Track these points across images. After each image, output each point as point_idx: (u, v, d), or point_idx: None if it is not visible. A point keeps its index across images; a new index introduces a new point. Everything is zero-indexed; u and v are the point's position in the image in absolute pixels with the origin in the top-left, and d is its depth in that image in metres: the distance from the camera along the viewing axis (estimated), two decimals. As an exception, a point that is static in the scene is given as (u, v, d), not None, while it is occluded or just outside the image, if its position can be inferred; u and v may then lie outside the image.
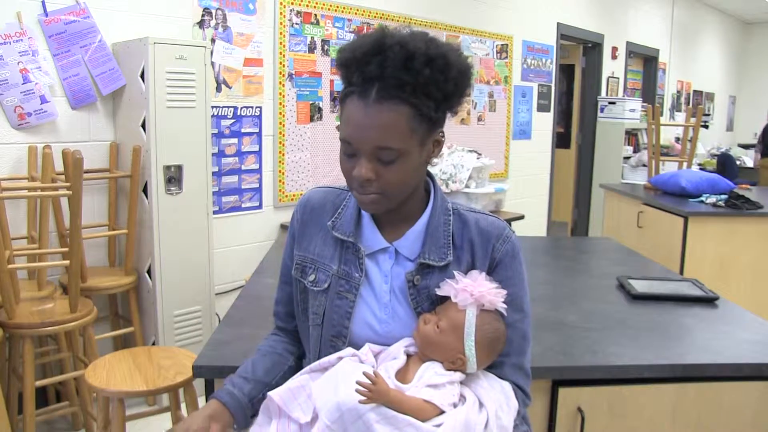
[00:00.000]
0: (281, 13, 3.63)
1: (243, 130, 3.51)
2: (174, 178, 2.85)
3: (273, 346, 1.23)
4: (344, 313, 1.10)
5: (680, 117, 8.59)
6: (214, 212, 3.29)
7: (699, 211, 3.57)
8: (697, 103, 9.28)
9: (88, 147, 2.89)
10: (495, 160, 4.54)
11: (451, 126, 4.35)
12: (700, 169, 6.71)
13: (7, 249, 2.38)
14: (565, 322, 1.74)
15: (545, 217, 6.24)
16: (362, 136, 1.00)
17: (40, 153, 2.70)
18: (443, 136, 1.08)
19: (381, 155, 1.00)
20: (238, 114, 3.48)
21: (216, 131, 3.34)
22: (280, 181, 3.73)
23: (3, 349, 2.55)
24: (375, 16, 4.15)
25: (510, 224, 1.30)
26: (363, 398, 0.94)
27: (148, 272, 2.88)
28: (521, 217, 4.27)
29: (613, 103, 6.58)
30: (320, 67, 3.85)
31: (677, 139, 6.93)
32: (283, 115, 3.70)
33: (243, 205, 3.57)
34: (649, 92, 7.92)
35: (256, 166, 3.60)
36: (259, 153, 3.60)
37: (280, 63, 3.65)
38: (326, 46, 3.87)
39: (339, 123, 1.06)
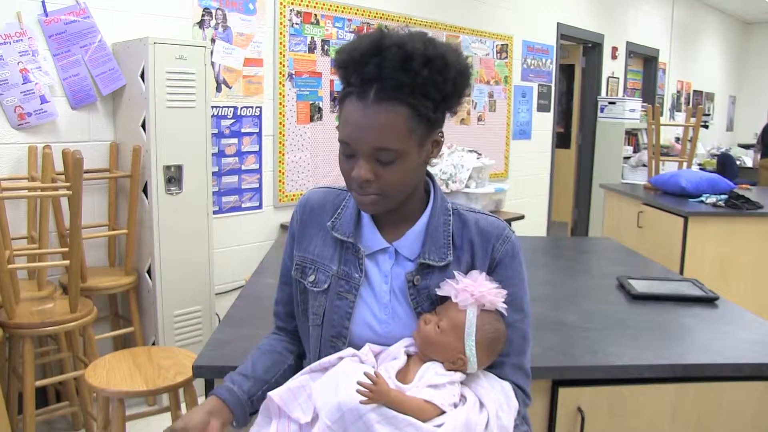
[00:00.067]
0: (281, 13, 3.63)
1: (243, 130, 3.51)
2: (174, 178, 2.85)
3: (273, 345, 1.23)
4: (344, 314, 1.10)
5: (680, 117, 8.60)
6: (214, 212, 3.29)
7: (699, 211, 3.57)
8: (697, 103, 9.29)
9: (88, 147, 2.89)
10: (495, 160, 4.54)
11: (451, 126, 4.36)
12: (700, 169, 6.71)
13: (7, 249, 2.38)
14: (565, 322, 1.74)
15: (545, 217, 6.24)
16: (361, 137, 0.99)
17: (40, 153, 2.70)
18: (442, 137, 1.08)
19: (380, 156, 1.00)
20: (238, 114, 3.48)
21: (216, 131, 3.34)
22: (280, 181, 3.73)
23: (3, 349, 2.55)
24: (375, 16, 4.15)
25: (510, 224, 1.30)
26: (364, 398, 0.94)
27: (148, 272, 2.88)
28: (521, 217, 4.27)
29: (613, 103, 6.58)
30: (320, 67, 3.85)
31: (677, 139, 6.93)
32: (283, 115, 3.70)
33: (243, 205, 3.57)
34: (649, 92, 7.92)
35: (256, 166, 3.60)
36: (259, 153, 3.60)
37: (280, 63, 3.65)
38: (326, 46, 3.87)
39: (338, 123, 1.06)
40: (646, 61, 8.01)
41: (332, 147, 3.97)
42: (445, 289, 1.06)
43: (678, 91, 8.85)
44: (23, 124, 2.71)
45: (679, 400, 1.50)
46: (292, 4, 3.68)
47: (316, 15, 3.81)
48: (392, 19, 4.25)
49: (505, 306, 1.06)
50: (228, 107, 3.42)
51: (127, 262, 2.88)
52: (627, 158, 6.52)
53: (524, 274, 1.15)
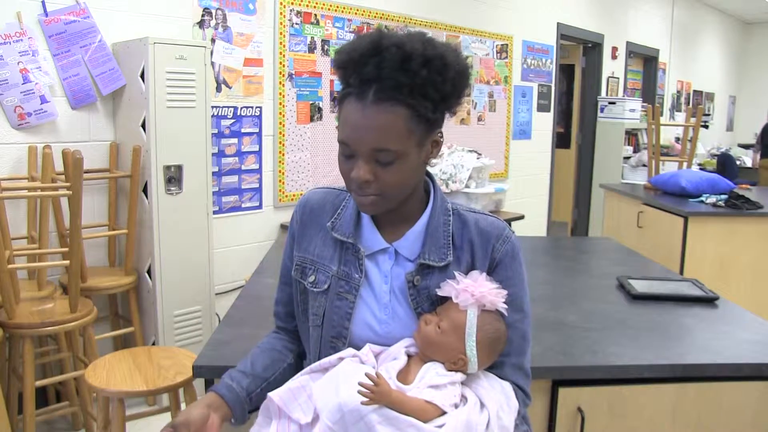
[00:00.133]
0: (281, 13, 3.63)
1: (243, 130, 3.51)
2: (174, 178, 2.85)
3: (273, 344, 1.23)
4: (344, 314, 1.10)
5: (680, 117, 8.60)
6: (214, 212, 3.29)
7: (699, 211, 3.57)
8: (697, 103, 9.28)
9: (88, 147, 2.89)
10: (495, 160, 4.54)
11: (451, 126, 4.35)
12: (700, 169, 6.71)
13: (7, 249, 2.38)
14: (565, 322, 1.74)
15: (545, 217, 6.24)
16: (360, 138, 0.99)
17: (40, 153, 2.70)
18: (442, 137, 1.08)
19: (379, 157, 1.00)
20: (238, 114, 3.48)
21: (216, 131, 3.34)
22: (280, 181, 3.73)
23: (3, 349, 2.55)
24: (375, 16, 4.15)
25: (510, 224, 1.30)
26: (365, 399, 0.94)
27: (148, 272, 2.88)
28: (521, 217, 4.27)
29: (613, 103, 6.58)
30: (320, 67, 3.85)
31: (677, 139, 6.93)
32: (283, 115, 3.70)
33: (243, 205, 3.57)
34: (649, 92, 7.92)
35: (256, 166, 3.60)
36: (259, 153, 3.60)
37: (280, 63, 3.65)
38: (326, 46, 3.87)
39: (338, 124, 1.06)
40: (646, 61, 8.01)
41: (332, 147, 3.97)
42: (445, 289, 1.06)
43: (678, 91, 8.85)
44: (23, 124, 2.71)
45: (679, 400, 1.50)
46: (292, 4, 3.68)
47: (316, 15, 3.81)
48: (392, 19, 4.25)
49: (505, 306, 1.06)
50: (228, 107, 3.42)
51: (127, 262, 2.88)
52: (627, 158, 6.52)
53: (524, 274, 1.15)
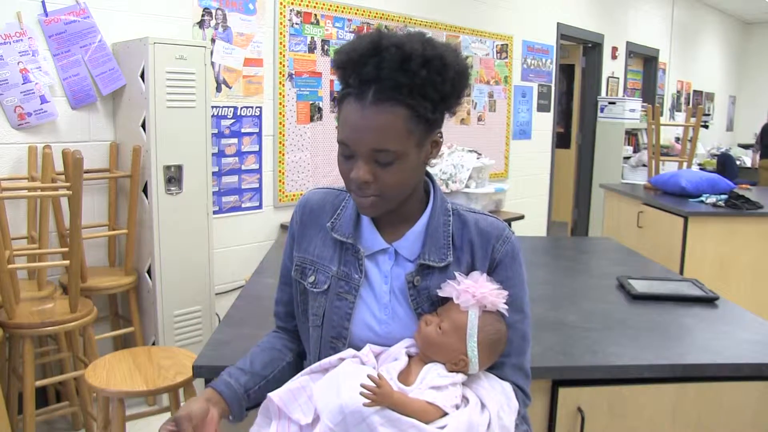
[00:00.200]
0: (281, 13, 3.63)
1: (243, 130, 3.51)
2: (174, 178, 2.85)
3: (272, 342, 1.23)
4: (344, 314, 1.10)
5: (680, 117, 8.60)
6: (214, 212, 3.29)
7: (699, 211, 3.57)
8: (697, 103, 9.29)
9: (88, 147, 2.89)
10: (495, 160, 4.54)
11: (451, 126, 4.35)
12: (700, 169, 6.71)
13: (7, 249, 2.38)
14: (565, 322, 1.74)
15: (545, 217, 6.24)
16: (359, 138, 0.99)
17: (40, 153, 2.70)
18: (441, 137, 1.08)
19: (378, 157, 1.00)
20: (238, 114, 3.48)
21: (216, 131, 3.34)
22: (280, 181, 3.73)
23: (3, 349, 2.55)
24: (375, 16, 4.15)
25: (510, 224, 1.30)
26: (366, 401, 0.94)
27: (148, 272, 2.88)
28: (521, 217, 4.27)
29: (613, 103, 6.58)
30: (320, 67, 3.85)
31: (677, 139, 6.93)
32: (283, 115, 3.70)
33: (243, 205, 3.57)
34: (649, 92, 7.92)
35: (256, 166, 3.60)
36: (259, 153, 3.60)
37: (280, 63, 3.65)
38: (326, 46, 3.87)
39: (337, 124, 1.06)
40: (646, 61, 8.01)
41: (332, 147, 3.97)
42: (446, 290, 1.06)
43: (678, 91, 8.85)
44: (23, 124, 2.71)
45: (679, 400, 1.50)
46: (292, 4, 3.68)
47: (316, 15, 3.81)
48: (392, 19, 4.25)
49: (506, 307, 1.06)
50: (228, 107, 3.42)
51: (127, 262, 2.88)
52: (627, 158, 6.52)
53: (524, 274, 1.15)
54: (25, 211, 2.74)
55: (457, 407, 1.01)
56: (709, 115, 9.79)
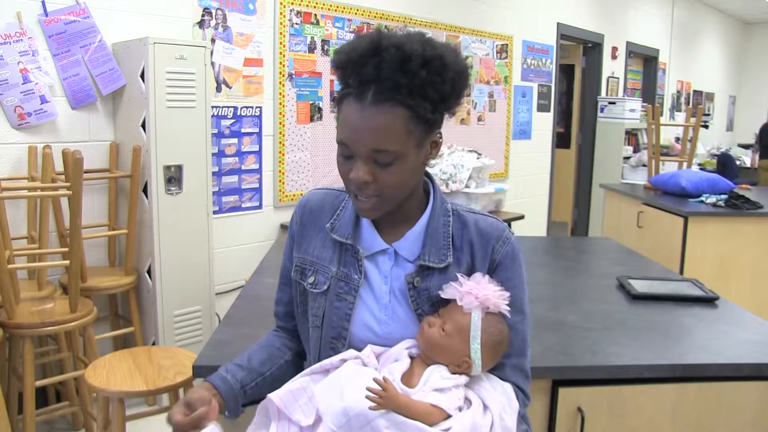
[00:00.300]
0: (281, 13, 3.63)
1: (243, 130, 3.51)
2: (174, 178, 2.85)
3: (272, 341, 1.24)
4: (344, 315, 1.10)
5: (680, 117, 8.60)
6: (214, 212, 3.29)
7: (699, 211, 3.57)
8: (697, 103, 9.29)
9: (88, 147, 2.89)
10: (495, 160, 4.54)
11: (451, 126, 4.35)
12: (700, 169, 6.71)
13: (7, 249, 2.38)
14: (565, 322, 1.74)
15: (545, 217, 6.25)
16: (359, 139, 0.99)
17: (40, 153, 2.70)
18: (441, 138, 1.08)
19: (378, 158, 1.00)
20: (238, 114, 3.48)
21: (216, 131, 3.34)
22: (280, 181, 3.73)
23: (3, 349, 2.55)
24: (375, 16, 4.15)
25: (510, 224, 1.30)
26: (371, 404, 0.93)
27: (148, 272, 2.88)
28: (521, 217, 4.27)
29: (613, 103, 6.58)
30: (320, 67, 3.85)
31: (677, 139, 6.93)
32: (283, 115, 3.70)
33: (243, 205, 3.57)
34: (649, 92, 7.92)
35: (256, 166, 3.60)
36: (259, 153, 3.60)
37: (280, 63, 3.65)
38: (326, 46, 3.87)
39: (337, 124, 1.06)
40: (646, 61, 8.01)
41: (332, 147, 3.97)
42: (448, 291, 1.06)
43: (678, 91, 8.85)
44: (23, 124, 2.71)
45: (679, 400, 1.50)
46: (292, 4, 3.68)
47: (316, 15, 3.81)
48: (392, 19, 4.25)
49: (508, 309, 1.06)
50: (228, 107, 3.42)
51: (127, 262, 2.88)
52: (627, 158, 6.52)
53: (524, 275, 1.15)
54: (25, 211, 2.74)
55: (461, 409, 1.00)
56: (709, 115, 9.79)
